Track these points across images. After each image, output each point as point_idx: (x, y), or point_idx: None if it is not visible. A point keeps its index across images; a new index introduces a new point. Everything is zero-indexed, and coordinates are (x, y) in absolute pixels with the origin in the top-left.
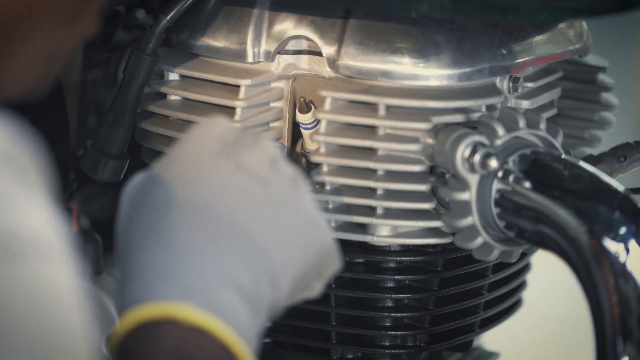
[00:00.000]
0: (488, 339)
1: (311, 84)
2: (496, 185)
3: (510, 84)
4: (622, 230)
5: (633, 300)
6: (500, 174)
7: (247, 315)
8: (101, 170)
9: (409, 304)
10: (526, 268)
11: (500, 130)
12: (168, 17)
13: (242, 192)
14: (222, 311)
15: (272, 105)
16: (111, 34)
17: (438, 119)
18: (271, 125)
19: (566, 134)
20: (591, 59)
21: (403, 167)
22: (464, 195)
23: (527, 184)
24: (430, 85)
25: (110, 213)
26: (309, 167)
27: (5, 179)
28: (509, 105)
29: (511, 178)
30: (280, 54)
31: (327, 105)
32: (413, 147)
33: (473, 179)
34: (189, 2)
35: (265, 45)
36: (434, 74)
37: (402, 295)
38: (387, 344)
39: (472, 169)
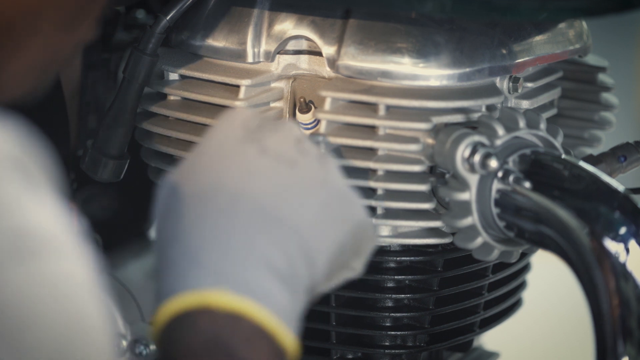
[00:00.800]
0: (488, 339)
1: (311, 84)
2: (496, 185)
3: (510, 84)
4: (622, 230)
5: (633, 300)
6: (500, 174)
7: (284, 296)
8: (101, 170)
9: (409, 304)
10: (526, 268)
11: (500, 130)
12: (168, 17)
13: (268, 175)
14: (257, 293)
15: (272, 105)
16: (111, 34)
17: (438, 119)
18: None
19: (566, 134)
20: (591, 59)
21: (403, 167)
22: (464, 195)
23: (527, 184)
24: (430, 85)
25: (110, 213)
26: None
27: (16, 182)
28: (509, 105)
29: (511, 178)
30: (280, 54)
31: (327, 105)
32: (413, 147)
33: (473, 179)
34: (189, 2)
35: (265, 45)
36: (434, 74)
37: (402, 295)
38: (387, 344)
39: (472, 169)
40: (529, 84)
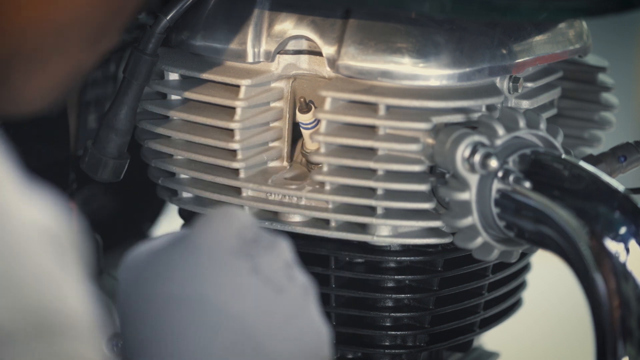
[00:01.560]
0: (488, 339)
1: (311, 84)
2: (496, 185)
3: (510, 84)
4: (622, 230)
5: (633, 300)
6: (500, 174)
7: None
8: (101, 170)
9: (409, 304)
10: (526, 268)
11: (500, 130)
12: (168, 17)
13: (256, 297)
14: None
15: (272, 105)
16: None
17: (438, 119)
18: (271, 125)
19: (566, 134)
20: (591, 59)
21: (403, 167)
22: (464, 195)
23: (527, 184)
24: (430, 85)
25: (110, 213)
26: (309, 167)
27: (49, 257)
28: (509, 105)
29: (511, 178)
30: (280, 54)
31: (327, 105)
32: (413, 147)
33: (473, 179)
34: (189, 2)
35: (265, 45)
36: (434, 74)
37: (402, 295)
38: (387, 344)
39: (472, 169)
40: (529, 84)
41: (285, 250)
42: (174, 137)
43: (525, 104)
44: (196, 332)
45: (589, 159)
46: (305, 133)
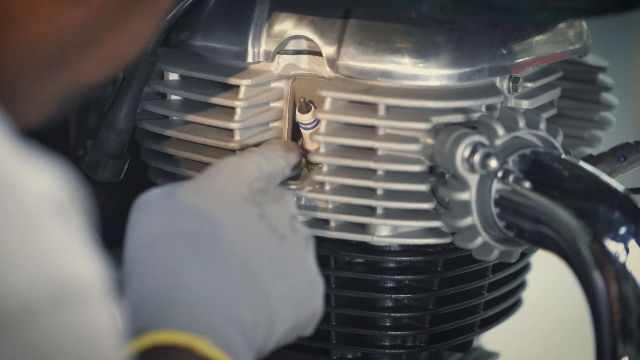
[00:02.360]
0: (488, 339)
1: (311, 84)
2: (496, 185)
3: (510, 84)
4: (622, 230)
5: (633, 300)
6: (500, 174)
7: (245, 354)
8: (101, 170)
9: (409, 304)
10: (526, 268)
11: (500, 130)
12: (168, 17)
13: (261, 241)
14: (230, 350)
15: (272, 105)
16: None
17: (438, 119)
18: (271, 125)
19: (566, 134)
20: (591, 59)
21: (403, 167)
22: (464, 195)
23: (527, 184)
24: (430, 85)
25: (110, 213)
26: (309, 167)
27: (58, 226)
28: (509, 105)
29: (511, 178)
30: (280, 54)
31: (327, 105)
32: (413, 147)
33: (473, 179)
34: (189, 2)
35: (265, 45)
36: (434, 74)
37: (402, 295)
38: (387, 344)
39: (472, 169)
40: (529, 84)
41: (290, 203)
42: (174, 137)
43: (525, 104)
44: (202, 266)
45: (589, 159)
46: (305, 133)
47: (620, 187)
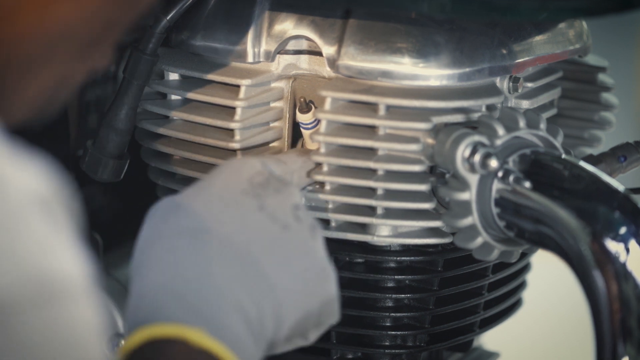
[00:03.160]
0: (488, 339)
1: (311, 84)
2: (496, 185)
3: (510, 84)
4: (622, 230)
5: (633, 300)
6: (500, 174)
7: (251, 346)
8: (101, 170)
9: (409, 304)
10: (526, 268)
11: (500, 130)
12: (168, 17)
13: (260, 230)
14: (229, 339)
15: (272, 105)
16: None
17: (438, 119)
18: (271, 125)
19: (566, 134)
20: (591, 59)
21: (403, 167)
22: (464, 195)
23: (527, 184)
24: (430, 85)
25: (110, 213)
26: None
27: (42, 223)
28: (509, 105)
29: (511, 178)
30: (280, 54)
31: (327, 105)
32: (413, 147)
33: (473, 179)
34: (189, 2)
35: (265, 45)
36: (434, 74)
37: (402, 295)
38: (387, 344)
39: (472, 169)
40: (529, 84)
41: (294, 194)
42: (174, 137)
43: (525, 104)
44: (200, 259)
45: (589, 159)
46: (305, 133)
47: (620, 187)
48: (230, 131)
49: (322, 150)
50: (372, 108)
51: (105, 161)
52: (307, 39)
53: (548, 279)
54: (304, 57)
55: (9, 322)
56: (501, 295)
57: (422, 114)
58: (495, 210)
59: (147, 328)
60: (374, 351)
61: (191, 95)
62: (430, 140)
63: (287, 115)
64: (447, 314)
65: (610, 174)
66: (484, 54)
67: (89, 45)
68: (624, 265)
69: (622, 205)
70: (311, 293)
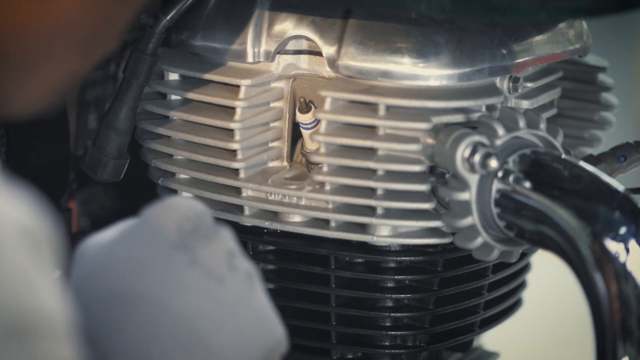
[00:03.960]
0: (488, 339)
1: (311, 84)
2: (496, 185)
3: (510, 84)
4: (622, 230)
5: (633, 300)
6: (500, 174)
7: None
8: (101, 170)
9: (409, 304)
10: (526, 268)
11: (500, 130)
12: (168, 17)
13: (195, 289)
14: None
15: (272, 105)
16: None
17: (438, 119)
18: (271, 125)
19: (566, 134)
20: (591, 59)
21: (403, 167)
22: (464, 195)
23: (527, 184)
24: (430, 85)
25: (110, 213)
26: (309, 167)
27: (24, 255)
28: (509, 105)
29: (511, 178)
30: (280, 54)
31: (327, 105)
32: (413, 147)
33: (473, 179)
34: (189, 2)
35: (265, 45)
36: (434, 74)
37: (402, 295)
38: (387, 344)
39: (472, 169)
40: (529, 84)
41: (226, 238)
42: (174, 137)
43: (525, 104)
44: (135, 330)
45: (589, 159)
46: (305, 133)
47: (620, 187)
48: (230, 131)
49: (322, 150)
50: (372, 108)
51: (105, 161)
52: (307, 39)
53: (548, 279)
54: (304, 57)
55: None
56: (501, 295)
57: (422, 114)
58: (495, 210)
59: None
60: (374, 351)
61: (191, 95)
62: (430, 140)
63: (287, 115)
64: (447, 314)
65: (610, 174)
66: (484, 54)
67: (89, 41)
68: (624, 265)
69: (622, 205)
70: (254, 344)
